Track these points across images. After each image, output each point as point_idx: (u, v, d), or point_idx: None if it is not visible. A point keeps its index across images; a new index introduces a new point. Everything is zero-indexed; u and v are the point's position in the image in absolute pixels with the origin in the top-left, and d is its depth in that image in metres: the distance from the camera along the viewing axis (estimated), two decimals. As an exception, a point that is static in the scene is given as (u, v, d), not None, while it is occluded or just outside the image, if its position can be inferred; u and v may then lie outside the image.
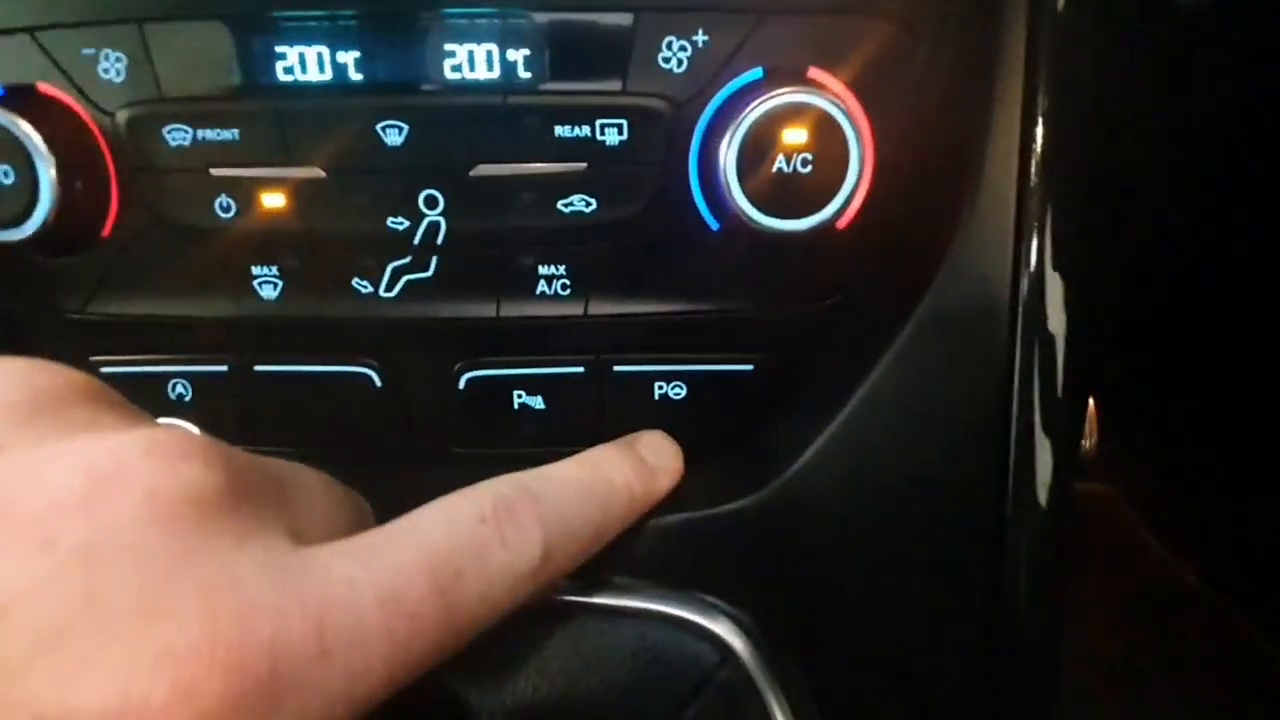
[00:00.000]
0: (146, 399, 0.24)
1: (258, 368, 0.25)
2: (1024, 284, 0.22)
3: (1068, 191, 0.22)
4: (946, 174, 0.23)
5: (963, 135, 0.23)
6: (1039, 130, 0.22)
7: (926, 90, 0.22)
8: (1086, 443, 0.90)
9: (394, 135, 0.22)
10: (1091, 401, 0.81)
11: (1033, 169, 0.22)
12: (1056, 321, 0.23)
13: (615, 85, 0.22)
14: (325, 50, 0.22)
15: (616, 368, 0.24)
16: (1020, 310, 0.22)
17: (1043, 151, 0.22)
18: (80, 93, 0.22)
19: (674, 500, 0.23)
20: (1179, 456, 0.93)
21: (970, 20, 0.22)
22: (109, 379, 0.23)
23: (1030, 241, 0.22)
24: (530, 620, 0.21)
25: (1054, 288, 0.22)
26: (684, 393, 0.25)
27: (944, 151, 0.23)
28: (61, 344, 0.25)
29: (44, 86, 0.22)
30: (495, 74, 0.22)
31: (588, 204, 0.23)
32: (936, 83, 0.22)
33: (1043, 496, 0.22)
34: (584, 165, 0.22)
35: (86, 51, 0.22)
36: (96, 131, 0.22)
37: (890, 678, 0.24)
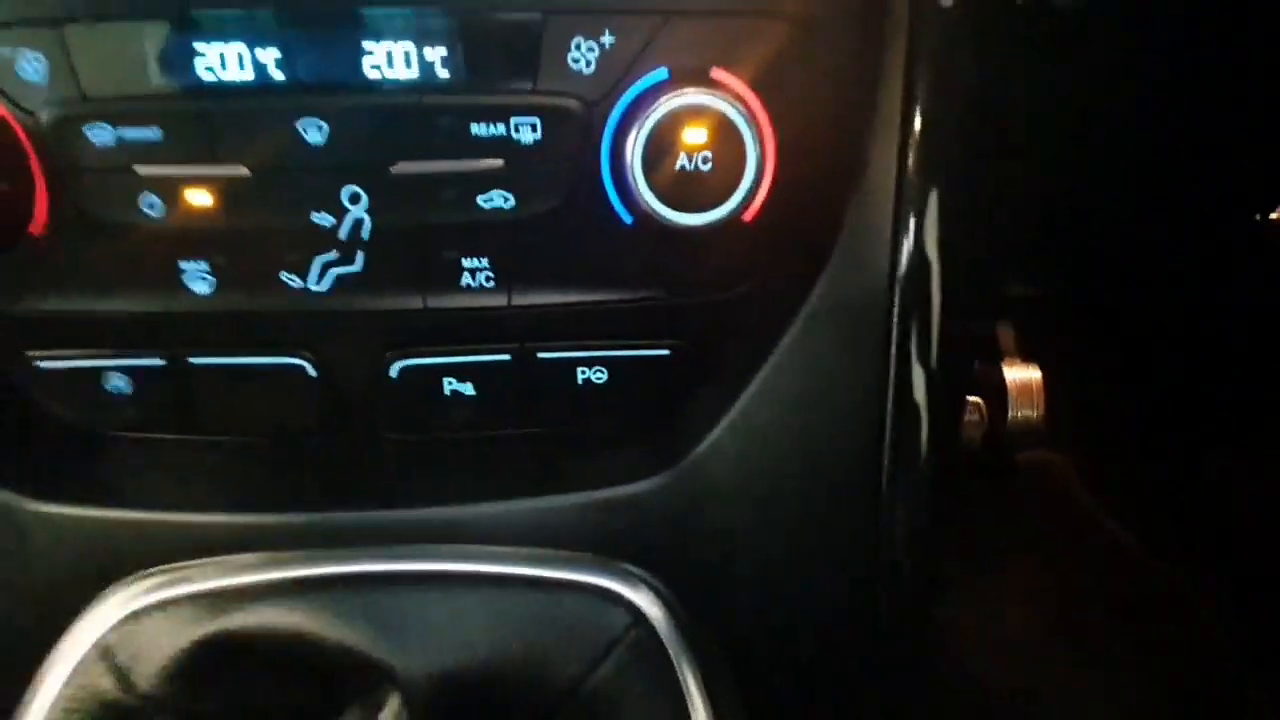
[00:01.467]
0: (80, 397, 0.25)
1: (193, 360, 0.25)
2: (902, 269, 0.24)
3: (943, 185, 0.24)
4: (839, 168, 0.25)
5: (852, 132, 0.24)
6: (916, 126, 0.23)
7: (821, 89, 0.23)
8: (1034, 414, 0.94)
9: (315, 133, 0.23)
10: (1039, 374, 0.85)
11: (910, 162, 0.24)
12: (933, 302, 0.24)
13: (527, 85, 0.23)
14: (245, 48, 0.23)
15: (541, 355, 0.26)
16: (898, 293, 0.24)
17: (919, 145, 0.23)
18: (0, 93, 0.22)
19: (592, 478, 0.25)
20: (1120, 426, 0.98)
21: (859, 24, 0.23)
22: (46, 373, 0.24)
23: (907, 230, 0.24)
24: (452, 591, 0.22)
25: (931, 271, 0.24)
26: (605, 377, 0.26)
27: (837, 147, 0.24)
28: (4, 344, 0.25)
29: None
30: (413, 73, 0.23)
31: (506, 199, 0.24)
32: (830, 82, 0.23)
33: (919, 465, 0.24)
34: (501, 162, 0.23)
35: (3, 52, 0.22)
36: (19, 131, 0.23)
37: (791, 632, 0.26)
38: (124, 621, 0.23)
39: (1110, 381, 0.98)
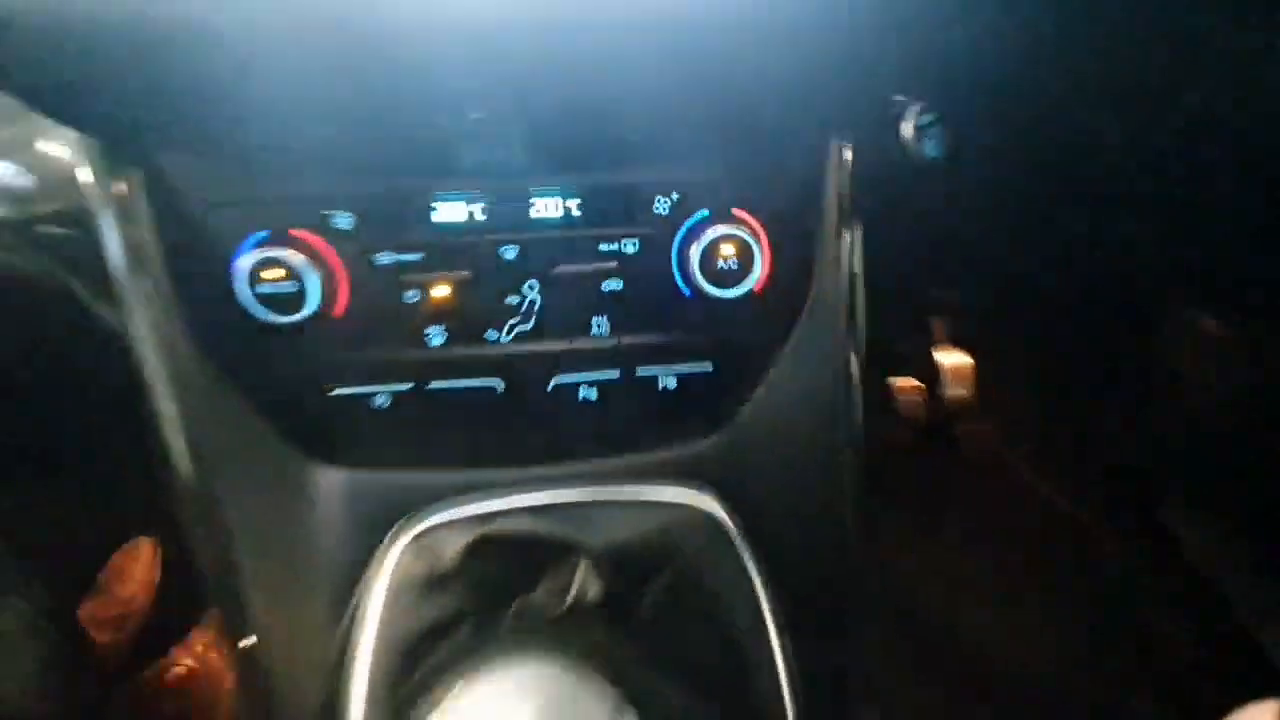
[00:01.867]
0: (356, 410, 0.42)
1: (429, 386, 0.42)
2: (841, 320, 0.42)
3: (858, 274, 0.42)
4: (806, 263, 0.43)
5: (811, 243, 0.42)
6: (846, 240, 0.41)
7: (794, 223, 0.41)
8: (966, 393, 1.17)
9: (510, 252, 0.40)
10: (970, 359, 1.07)
11: (846, 268, 0.42)
12: (858, 320, 0.42)
13: (631, 220, 0.40)
14: (464, 205, 0.40)
15: (637, 371, 0.43)
16: (843, 321, 0.41)
17: (851, 261, 0.41)
18: (323, 235, 0.39)
19: (674, 440, 0.42)
20: (1046, 400, 1.19)
21: (808, 192, 0.41)
22: (337, 400, 0.41)
23: (846, 292, 0.42)
24: (603, 509, 0.40)
25: (858, 307, 0.42)
26: (674, 383, 0.44)
27: (804, 252, 0.42)
28: (309, 379, 0.41)
29: (294, 231, 0.39)
30: (560, 215, 0.40)
31: (619, 284, 0.41)
32: (798, 218, 0.41)
33: (854, 437, 0.42)
34: (615, 263, 0.41)
35: (327, 214, 0.39)
36: (334, 257, 0.39)
37: (801, 530, 0.43)
38: (422, 534, 0.39)
39: (1026, 362, 1.20)
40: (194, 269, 0.38)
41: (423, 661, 0.37)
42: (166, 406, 0.37)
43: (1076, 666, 0.97)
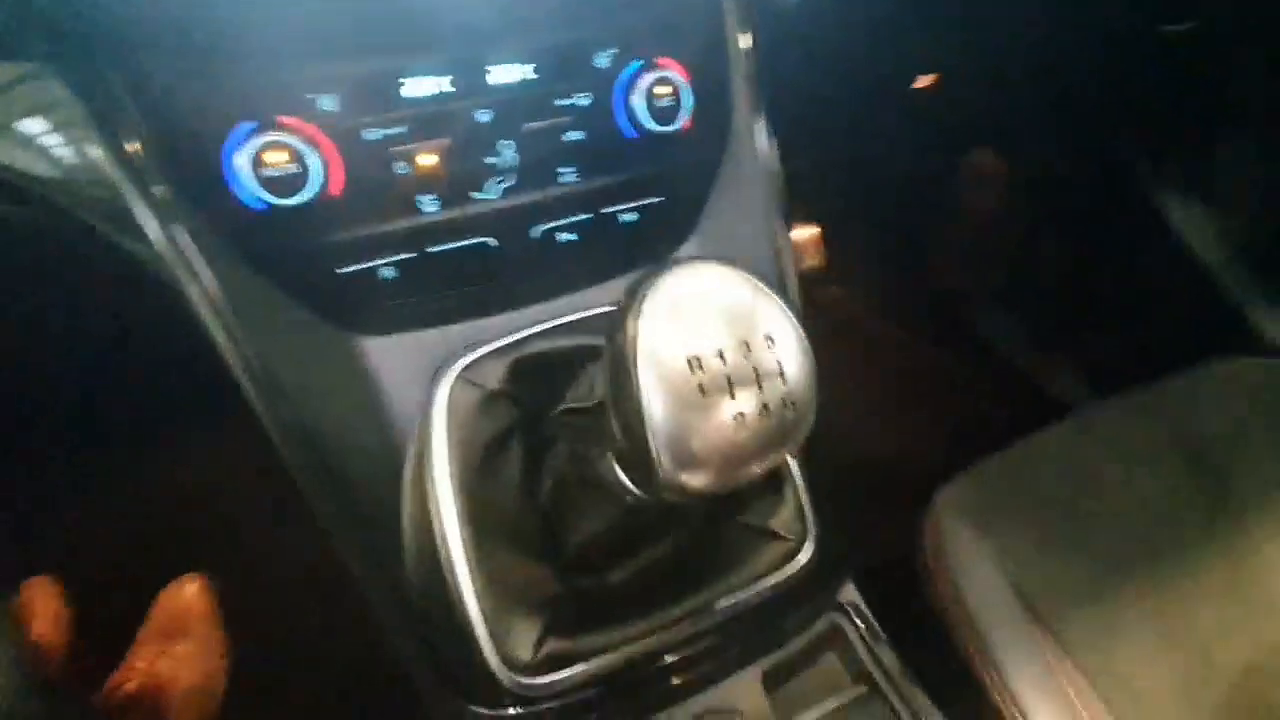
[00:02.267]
0: (366, 284, 0.46)
1: (430, 250, 0.47)
2: (760, 160, 0.53)
3: (768, 108, 0.53)
4: (723, 105, 0.53)
5: (729, 88, 0.52)
6: (749, 80, 0.52)
7: (714, 70, 0.51)
8: (819, 261, 1.39)
9: (484, 115, 0.46)
10: (818, 230, 1.28)
11: (750, 101, 0.52)
12: (773, 165, 0.53)
13: (578, 77, 0.47)
14: (434, 80, 0.44)
15: (603, 210, 0.51)
16: (764, 166, 0.52)
17: (752, 94, 0.52)
18: (312, 119, 0.42)
19: (638, 266, 0.51)
20: (877, 260, 1.42)
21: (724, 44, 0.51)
22: (345, 275, 0.45)
23: (755, 129, 0.53)
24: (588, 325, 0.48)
25: (769, 142, 0.53)
26: (636, 217, 0.52)
27: (719, 95, 0.52)
28: (317, 259, 0.45)
29: (284, 118, 0.42)
30: (519, 79, 0.46)
31: (579, 134, 0.48)
32: (717, 66, 0.51)
33: (785, 262, 0.54)
34: (573, 116, 0.48)
35: (313, 97, 0.42)
36: (326, 138, 0.42)
37: None
38: (468, 367, 0.45)
39: (866, 227, 1.41)
40: (192, 167, 0.40)
41: (491, 466, 0.43)
42: (206, 311, 0.40)
43: (915, 445, 1.23)
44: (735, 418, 0.24)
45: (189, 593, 0.35)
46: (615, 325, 0.26)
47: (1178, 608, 0.58)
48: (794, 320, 0.27)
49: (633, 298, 0.26)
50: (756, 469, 0.26)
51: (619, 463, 0.31)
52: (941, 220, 1.38)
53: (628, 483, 0.34)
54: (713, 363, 0.24)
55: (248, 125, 0.40)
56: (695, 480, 0.26)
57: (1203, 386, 0.76)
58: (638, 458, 0.26)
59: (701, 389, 0.24)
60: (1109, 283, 1.22)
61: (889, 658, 0.48)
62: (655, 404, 0.24)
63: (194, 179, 0.40)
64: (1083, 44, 0.98)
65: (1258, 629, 0.57)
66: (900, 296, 1.44)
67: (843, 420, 1.32)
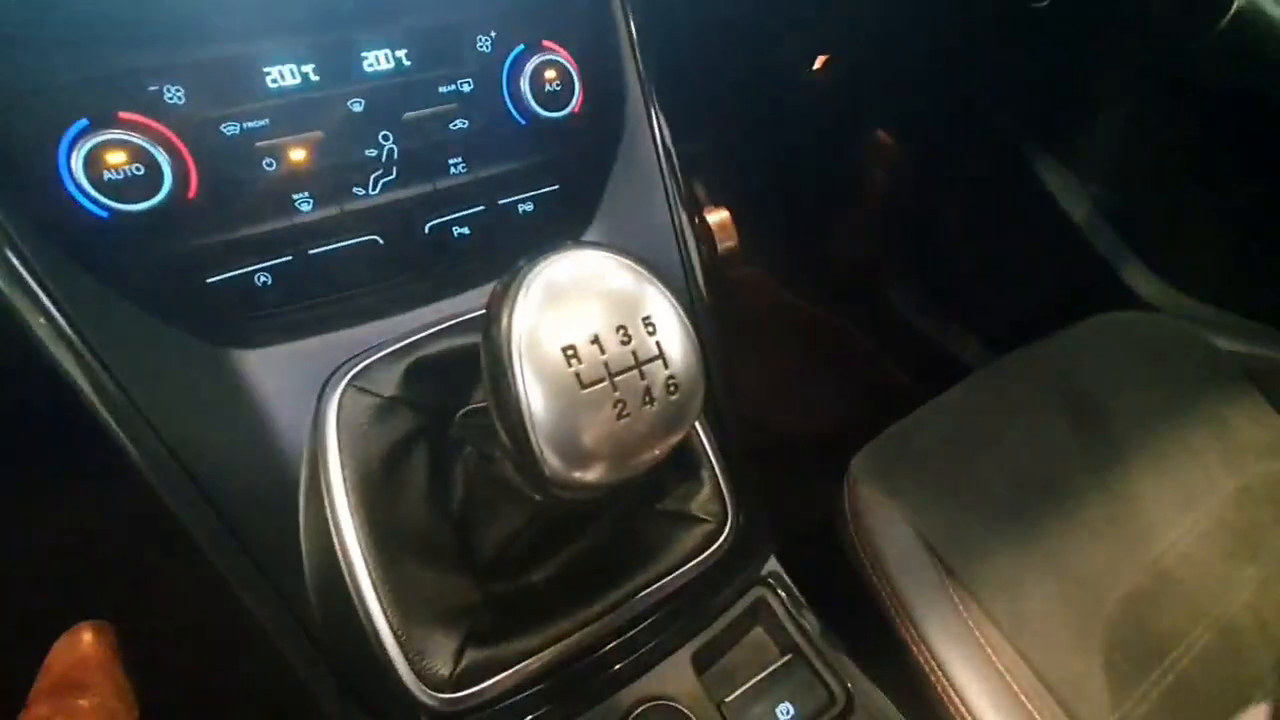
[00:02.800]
0: (240, 293, 0.43)
1: (310, 251, 0.44)
2: (659, 140, 0.52)
3: (664, 91, 0.52)
4: (614, 89, 0.51)
5: (618, 71, 0.51)
6: (639, 67, 0.51)
7: (600, 53, 0.49)
8: (733, 244, 1.37)
9: (358, 105, 0.43)
10: (728, 214, 1.26)
11: (641, 84, 0.51)
12: (668, 150, 0.53)
13: (460, 62, 0.45)
14: (294, 68, 0.41)
15: (500, 201, 0.49)
16: (658, 149, 0.52)
17: (643, 77, 0.51)
18: (155, 114, 0.38)
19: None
20: (786, 240, 1.45)
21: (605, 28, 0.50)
22: (216, 284, 0.42)
23: (652, 116, 0.52)
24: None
25: (659, 124, 0.53)
26: (532, 207, 0.51)
27: (609, 79, 0.51)
28: (178, 269, 0.41)
29: (124, 114, 0.37)
30: (394, 65, 0.44)
31: (463, 123, 0.46)
32: (603, 48, 0.50)
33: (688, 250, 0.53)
34: (455, 104, 0.46)
35: (153, 89, 0.38)
36: (174, 136, 0.38)
37: None
38: (357, 375, 0.42)
39: (767, 205, 1.44)
40: (22, 173, 0.35)
41: (393, 477, 0.41)
42: (49, 336, 0.35)
43: (830, 415, 1.28)
44: (617, 406, 0.24)
45: (85, 642, 0.32)
46: (489, 319, 0.25)
47: (1067, 547, 0.62)
48: (674, 302, 0.26)
49: (506, 288, 0.25)
50: (649, 456, 0.26)
51: (514, 467, 0.30)
52: (845, 197, 1.43)
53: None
54: (589, 350, 0.24)
55: (81, 123, 0.36)
56: (588, 475, 0.25)
57: (1084, 340, 0.82)
58: (524, 458, 0.25)
59: (579, 379, 0.23)
60: (1000, 250, 1.29)
61: (812, 624, 0.49)
62: (535, 400, 0.23)
63: (25, 184, 0.36)
64: (963, 23, 1.03)
65: (1136, 558, 0.63)
66: (809, 273, 1.48)
67: (762, 394, 1.36)
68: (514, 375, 0.24)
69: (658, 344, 0.25)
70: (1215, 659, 0.59)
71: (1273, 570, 0.66)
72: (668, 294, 0.26)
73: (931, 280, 1.38)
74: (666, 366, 0.25)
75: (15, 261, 0.35)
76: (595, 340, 0.24)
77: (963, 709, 0.54)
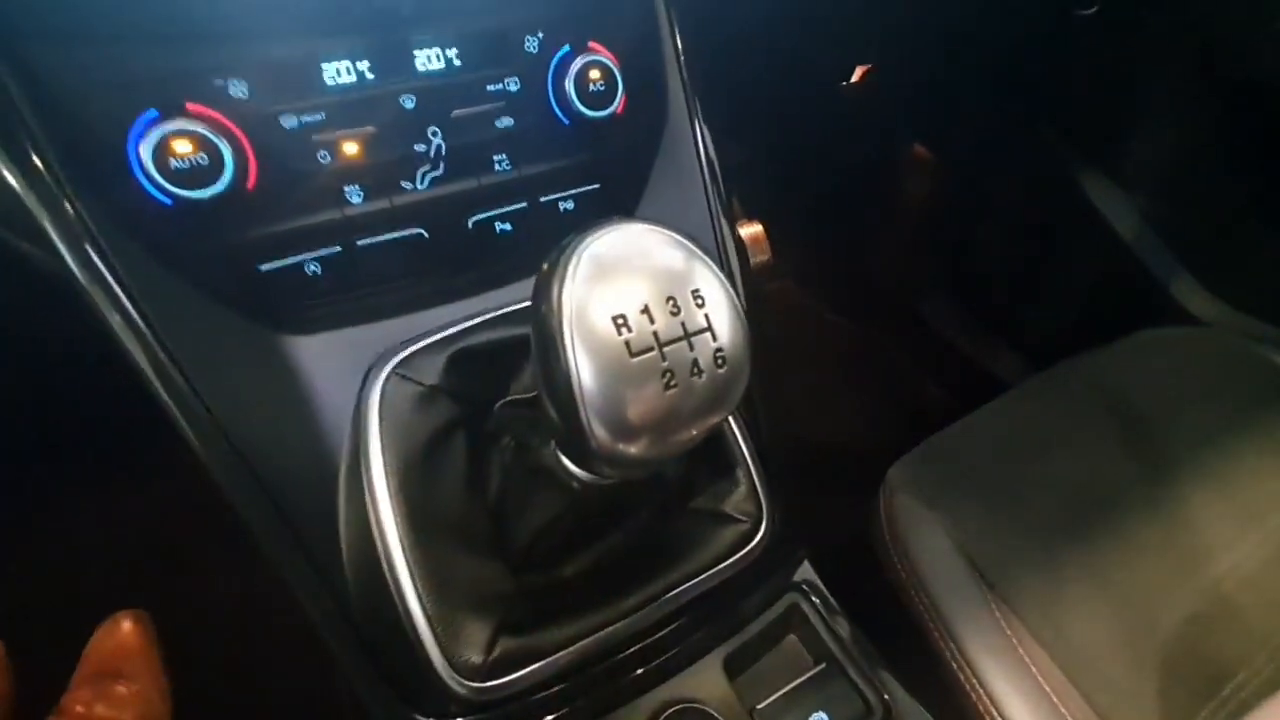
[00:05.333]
0: (291, 281, 0.44)
1: (359, 243, 0.45)
2: (700, 146, 0.53)
3: (704, 99, 0.53)
4: (658, 89, 0.52)
5: (662, 74, 0.52)
6: (685, 75, 0.52)
7: (645, 57, 0.50)
8: (766, 257, 1.38)
9: (409, 102, 0.44)
10: (761, 228, 1.26)
11: (684, 88, 0.52)
12: (704, 141, 0.53)
13: (508, 62, 0.46)
14: (350, 64, 0.43)
15: (542, 199, 0.50)
16: (699, 154, 0.52)
17: (685, 81, 0.52)
18: (221, 106, 0.40)
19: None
20: (821, 253, 1.44)
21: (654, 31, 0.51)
22: (268, 273, 0.43)
23: (694, 122, 0.53)
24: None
25: (702, 131, 0.53)
26: (573, 205, 0.51)
27: (652, 82, 0.52)
28: (235, 256, 0.42)
29: (191, 105, 0.39)
30: (444, 65, 0.45)
31: (510, 120, 0.47)
32: (647, 50, 0.50)
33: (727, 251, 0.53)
34: (504, 102, 0.47)
35: (219, 83, 0.40)
36: (236, 128, 0.40)
37: None
38: (400, 363, 0.43)
39: (803, 218, 1.44)
40: (94, 160, 0.37)
41: (431, 465, 0.42)
42: (115, 316, 0.37)
43: (867, 429, 1.26)
44: (665, 376, 0.24)
45: (125, 630, 0.32)
46: (538, 292, 0.25)
47: (1118, 565, 0.60)
48: (722, 278, 0.26)
49: (555, 262, 0.25)
50: (694, 431, 0.25)
51: (558, 445, 0.30)
52: (882, 211, 1.41)
53: (572, 467, 0.33)
54: (639, 320, 0.24)
55: (151, 113, 0.38)
56: (632, 449, 0.25)
57: (1130, 355, 0.80)
58: (571, 430, 0.25)
59: (629, 348, 0.23)
60: (1042, 265, 1.26)
61: (847, 633, 0.48)
62: (584, 369, 0.24)
63: (96, 174, 0.38)
64: (1004, 33, 1.02)
65: (1192, 580, 0.60)
66: (844, 287, 1.47)
67: (797, 408, 1.34)
68: (564, 345, 0.24)
69: (706, 316, 0.25)
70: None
71: (1342, 599, 0.63)
72: (715, 269, 0.26)
73: (970, 296, 1.35)
74: (715, 339, 0.25)
75: (90, 249, 0.37)
76: (645, 310, 0.24)
77: (1006, 729, 0.52)
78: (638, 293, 0.24)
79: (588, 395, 0.24)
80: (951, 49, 1.04)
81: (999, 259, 1.30)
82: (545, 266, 0.26)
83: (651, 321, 0.24)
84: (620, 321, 0.23)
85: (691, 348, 0.24)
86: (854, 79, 1.10)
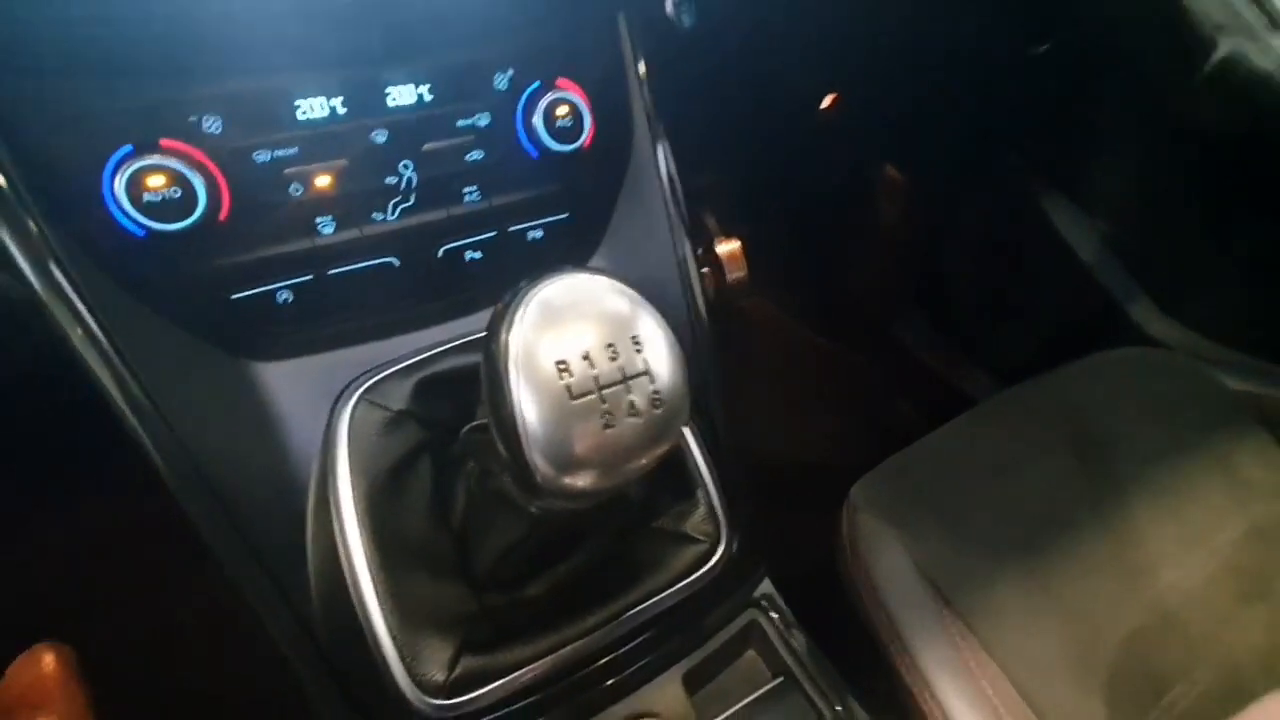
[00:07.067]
0: (261, 309, 0.45)
1: (330, 272, 0.46)
2: (664, 176, 0.55)
3: (673, 126, 0.55)
4: (623, 124, 0.54)
5: (626, 110, 0.54)
6: (650, 111, 0.54)
7: (611, 92, 0.52)
8: (742, 274, 1.39)
9: (380, 136, 0.46)
10: (739, 244, 1.29)
11: (649, 119, 0.54)
12: (667, 168, 0.55)
13: (479, 97, 0.48)
14: (324, 100, 0.44)
15: (510, 228, 0.52)
16: (663, 184, 0.54)
17: (650, 113, 0.54)
18: (194, 141, 0.41)
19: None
20: (796, 272, 1.47)
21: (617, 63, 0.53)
22: (239, 300, 0.44)
23: (659, 152, 0.55)
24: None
25: (667, 160, 0.55)
26: (542, 234, 0.53)
27: (619, 114, 0.54)
28: (206, 285, 0.43)
29: (165, 141, 0.40)
30: (415, 100, 0.47)
31: (480, 154, 0.49)
32: (614, 86, 0.53)
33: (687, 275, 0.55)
34: (473, 136, 0.49)
35: (194, 119, 0.41)
36: (209, 162, 0.41)
37: None
38: (369, 389, 0.44)
39: (778, 238, 1.46)
40: (69, 193, 0.38)
41: (398, 488, 0.43)
42: (83, 342, 0.38)
43: (834, 447, 1.28)
44: (604, 417, 0.25)
45: (44, 662, 0.33)
46: (490, 334, 0.27)
47: (1068, 582, 0.62)
48: (662, 322, 0.28)
49: (506, 306, 0.27)
50: (635, 466, 0.27)
51: (509, 475, 0.31)
52: (855, 232, 1.45)
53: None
54: (580, 365, 0.25)
55: (126, 149, 0.39)
56: (577, 482, 0.26)
57: (1088, 376, 0.83)
58: (517, 464, 0.26)
59: (570, 391, 0.25)
60: (1009, 287, 1.30)
61: (805, 648, 0.50)
62: (528, 409, 0.25)
63: (70, 206, 0.39)
64: (967, 66, 1.06)
65: (1138, 595, 0.62)
66: (821, 304, 1.50)
67: (768, 425, 1.36)
68: (509, 386, 0.25)
69: (645, 361, 0.26)
70: (1218, 699, 0.58)
71: (1282, 613, 0.65)
72: (656, 315, 0.28)
73: (940, 316, 1.38)
74: (653, 382, 0.26)
75: (57, 273, 0.38)
76: (586, 356, 0.26)
77: (958, 742, 0.54)
78: (580, 339, 0.26)
79: (531, 433, 0.25)
80: (915, 78, 1.08)
81: (968, 281, 1.34)
82: (497, 309, 0.28)
83: (592, 366, 0.25)
84: (563, 367, 0.25)
85: (629, 390, 0.26)
86: (825, 105, 1.14)
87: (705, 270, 1.12)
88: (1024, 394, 0.81)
